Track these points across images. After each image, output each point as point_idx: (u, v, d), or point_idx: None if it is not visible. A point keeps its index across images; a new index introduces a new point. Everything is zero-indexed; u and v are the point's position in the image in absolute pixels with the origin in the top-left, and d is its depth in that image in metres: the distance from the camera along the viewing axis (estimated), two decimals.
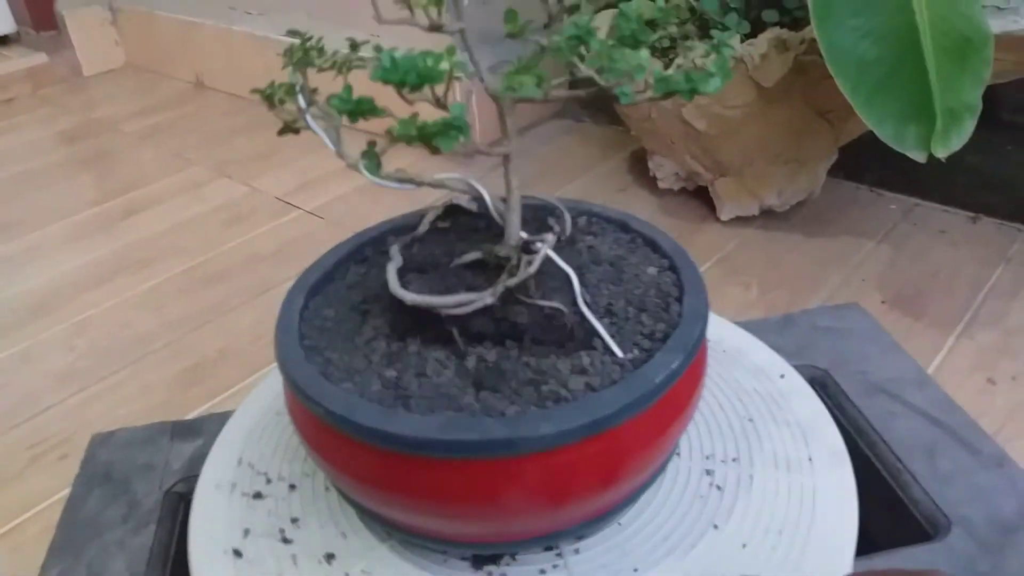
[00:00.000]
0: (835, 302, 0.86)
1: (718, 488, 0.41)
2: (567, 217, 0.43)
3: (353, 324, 0.38)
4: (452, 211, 0.44)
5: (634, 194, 1.09)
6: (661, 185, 1.05)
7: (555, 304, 0.35)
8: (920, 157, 0.66)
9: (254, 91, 0.39)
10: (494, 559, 0.37)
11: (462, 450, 0.31)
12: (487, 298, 0.35)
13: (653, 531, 0.39)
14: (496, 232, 0.41)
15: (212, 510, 0.43)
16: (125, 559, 0.47)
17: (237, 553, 0.41)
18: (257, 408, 0.50)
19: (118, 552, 0.48)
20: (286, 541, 0.40)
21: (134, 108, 1.65)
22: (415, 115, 0.31)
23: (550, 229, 0.40)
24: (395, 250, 0.39)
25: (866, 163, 1.04)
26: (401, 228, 0.45)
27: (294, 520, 0.41)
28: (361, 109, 0.31)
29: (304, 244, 1.11)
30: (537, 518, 0.34)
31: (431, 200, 1.20)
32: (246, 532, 0.41)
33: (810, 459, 0.42)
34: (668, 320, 0.38)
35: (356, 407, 0.32)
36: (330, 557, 0.39)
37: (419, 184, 0.39)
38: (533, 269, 0.36)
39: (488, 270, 0.38)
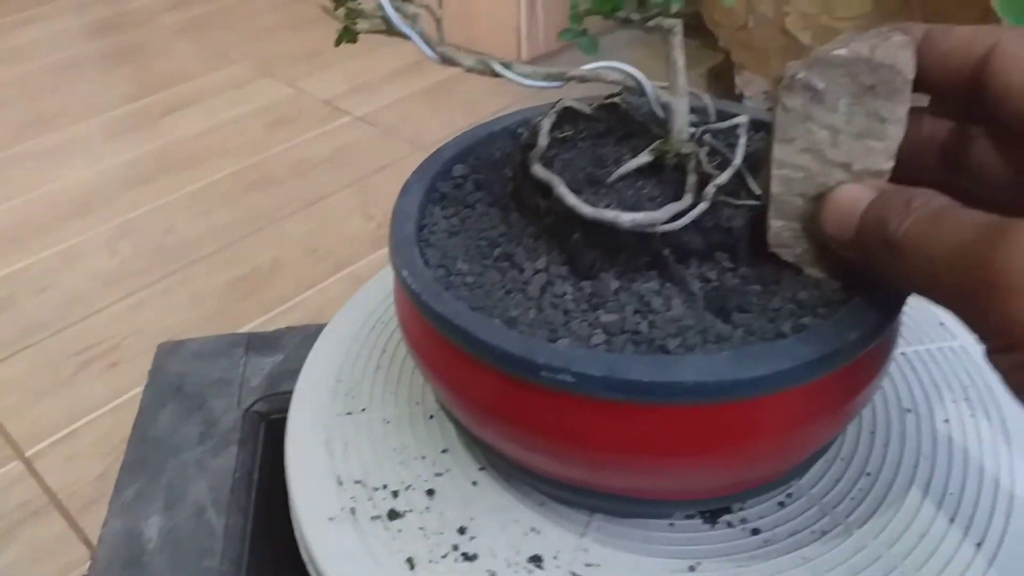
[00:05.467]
0: None
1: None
2: (710, 104, 0.37)
3: (505, 272, 0.32)
4: (565, 117, 0.37)
5: None
6: (749, 104, 0.97)
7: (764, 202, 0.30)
8: None
9: None
10: (727, 509, 0.33)
11: (781, 382, 0.26)
12: (703, 204, 0.29)
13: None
14: (635, 131, 0.35)
15: (310, 435, 0.38)
16: (207, 482, 0.43)
17: (340, 482, 0.36)
18: (351, 323, 0.45)
19: (198, 474, 0.43)
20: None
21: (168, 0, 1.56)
22: None
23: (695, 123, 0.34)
24: (542, 170, 0.32)
25: None
26: (479, 143, 0.39)
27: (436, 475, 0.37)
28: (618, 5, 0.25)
29: (356, 153, 1.05)
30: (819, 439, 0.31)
31: (492, 105, 1.12)
32: (348, 468, 0.36)
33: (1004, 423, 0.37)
34: None
35: (616, 365, 0.26)
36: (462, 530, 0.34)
37: (568, 79, 0.33)
38: (739, 160, 0.30)
39: (654, 176, 0.32)
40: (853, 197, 0.27)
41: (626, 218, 0.29)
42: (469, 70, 0.32)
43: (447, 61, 0.32)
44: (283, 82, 1.22)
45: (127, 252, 0.89)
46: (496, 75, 0.31)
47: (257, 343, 0.50)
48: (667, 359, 0.27)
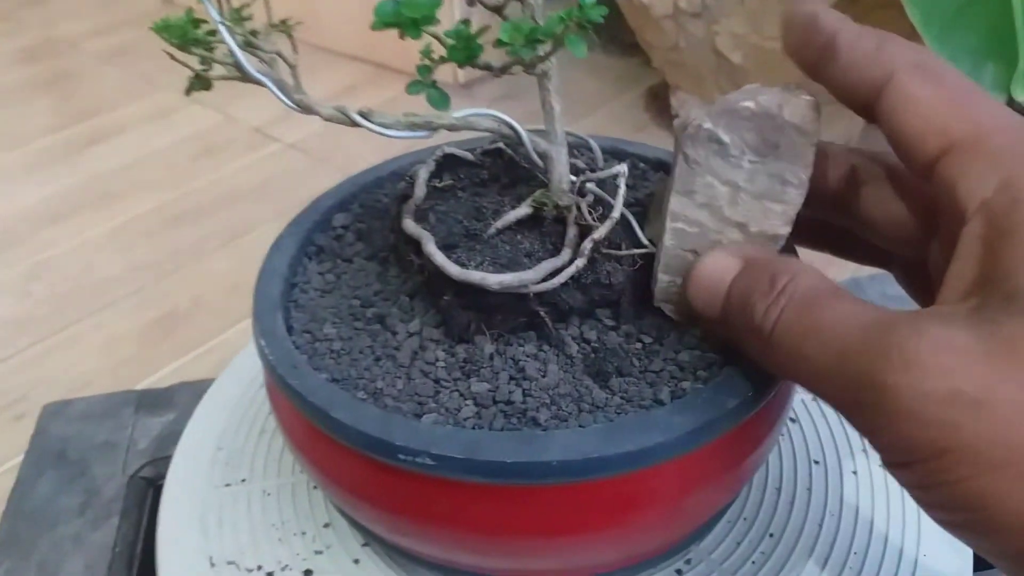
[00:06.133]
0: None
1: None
2: (596, 149, 0.35)
3: (376, 336, 0.29)
4: (445, 165, 0.35)
5: (653, 134, 1.00)
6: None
7: (651, 250, 0.28)
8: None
9: (155, 27, 0.29)
10: None
11: (653, 456, 0.24)
12: (579, 260, 0.27)
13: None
14: (521, 179, 0.33)
15: (184, 510, 0.36)
16: (83, 558, 0.40)
17: (212, 563, 0.33)
18: (237, 381, 0.42)
19: (74, 549, 0.40)
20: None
21: (96, 25, 1.51)
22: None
23: (580, 170, 0.32)
24: (413, 225, 0.30)
25: None
26: (361, 192, 0.37)
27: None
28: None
29: (285, 182, 1.02)
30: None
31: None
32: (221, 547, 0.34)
33: None
34: None
35: (477, 446, 0.24)
36: None
37: (435, 128, 0.30)
38: (618, 213, 0.28)
39: (536, 228, 0.30)
40: (718, 271, 0.24)
41: (493, 280, 0.27)
42: (328, 119, 0.30)
43: (305, 109, 0.30)
44: (212, 109, 1.19)
45: (40, 294, 0.85)
46: (355, 125, 0.29)
47: (148, 401, 0.47)
48: (531, 436, 0.25)
